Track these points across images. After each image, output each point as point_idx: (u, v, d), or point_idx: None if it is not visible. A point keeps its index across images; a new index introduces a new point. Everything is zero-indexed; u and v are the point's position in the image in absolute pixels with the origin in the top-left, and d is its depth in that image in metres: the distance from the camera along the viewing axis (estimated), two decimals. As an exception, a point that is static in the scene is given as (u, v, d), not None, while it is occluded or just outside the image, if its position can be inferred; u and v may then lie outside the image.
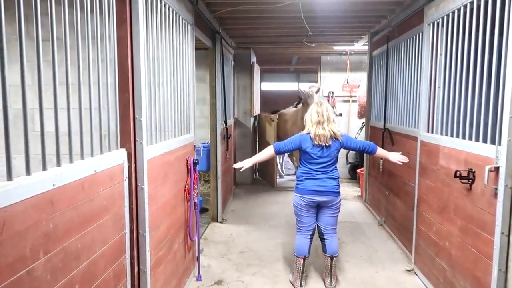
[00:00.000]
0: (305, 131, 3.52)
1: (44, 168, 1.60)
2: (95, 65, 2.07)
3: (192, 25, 3.69)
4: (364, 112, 6.69)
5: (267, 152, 3.63)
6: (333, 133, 3.44)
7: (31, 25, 1.54)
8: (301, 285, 3.60)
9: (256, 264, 4.14)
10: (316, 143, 3.41)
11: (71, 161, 1.82)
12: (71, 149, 1.82)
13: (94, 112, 2.05)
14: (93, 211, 1.96)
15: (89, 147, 2.01)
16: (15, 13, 1.44)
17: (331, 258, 3.59)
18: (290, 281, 3.74)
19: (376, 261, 4.22)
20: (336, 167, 3.57)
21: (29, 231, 1.46)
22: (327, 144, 3.42)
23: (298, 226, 3.68)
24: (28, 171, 1.50)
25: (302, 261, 3.60)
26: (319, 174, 3.46)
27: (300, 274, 3.61)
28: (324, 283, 3.67)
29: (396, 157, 3.60)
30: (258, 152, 3.79)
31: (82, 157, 1.92)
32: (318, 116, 3.43)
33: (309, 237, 3.63)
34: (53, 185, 1.59)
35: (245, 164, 3.53)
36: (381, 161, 5.26)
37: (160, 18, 2.81)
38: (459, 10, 3.08)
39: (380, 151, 3.69)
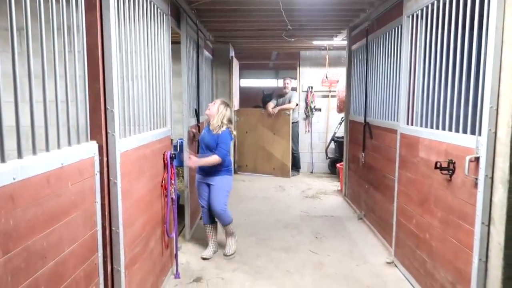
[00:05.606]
0: (225, 128, 4.02)
1: (3, 160, 1.47)
2: (61, 55, 1.93)
3: (168, 15, 3.57)
4: (343, 106, 6.69)
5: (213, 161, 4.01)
6: None
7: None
8: None
9: (236, 261, 4.06)
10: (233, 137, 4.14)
11: (34, 153, 1.68)
12: (35, 141, 1.68)
13: (61, 105, 1.92)
14: (61, 207, 1.83)
15: (55, 140, 1.88)
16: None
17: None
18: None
19: (357, 255, 4.20)
20: None
21: (-14, 228, 1.33)
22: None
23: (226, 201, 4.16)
24: (-17, 164, 1.38)
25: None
26: None
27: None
28: None
29: None
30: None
31: (47, 149, 1.79)
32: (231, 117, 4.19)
33: None
34: (13, 179, 1.46)
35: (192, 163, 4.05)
36: (362, 155, 5.25)
37: (133, 6, 2.68)
38: (438, 1, 3.07)
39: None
